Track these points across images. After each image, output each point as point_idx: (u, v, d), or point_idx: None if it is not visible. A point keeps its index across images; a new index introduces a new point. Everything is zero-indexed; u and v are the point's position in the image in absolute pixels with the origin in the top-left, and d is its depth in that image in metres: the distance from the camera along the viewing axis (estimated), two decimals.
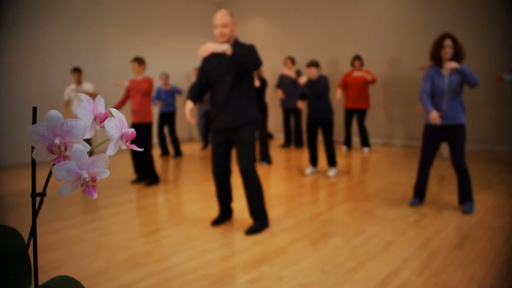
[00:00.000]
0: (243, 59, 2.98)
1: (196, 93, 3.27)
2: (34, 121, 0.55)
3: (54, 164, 0.54)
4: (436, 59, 3.49)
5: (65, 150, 0.54)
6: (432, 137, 3.60)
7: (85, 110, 0.55)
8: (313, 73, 4.88)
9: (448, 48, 3.39)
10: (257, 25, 9.16)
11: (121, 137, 0.56)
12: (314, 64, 4.88)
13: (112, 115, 0.56)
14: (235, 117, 3.16)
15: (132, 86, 4.92)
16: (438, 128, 3.56)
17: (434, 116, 3.38)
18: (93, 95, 6.14)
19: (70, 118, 0.53)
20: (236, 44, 3.16)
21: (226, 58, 3.10)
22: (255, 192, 3.24)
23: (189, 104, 3.21)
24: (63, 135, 0.53)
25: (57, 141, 0.52)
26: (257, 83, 5.66)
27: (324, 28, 8.05)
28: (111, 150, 0.56)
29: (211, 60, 3.20)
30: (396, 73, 7.20)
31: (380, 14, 7.28)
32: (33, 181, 0.57)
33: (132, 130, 0.57)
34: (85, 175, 0.54)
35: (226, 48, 2.90)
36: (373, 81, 6.65)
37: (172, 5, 8.86)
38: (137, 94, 4.88)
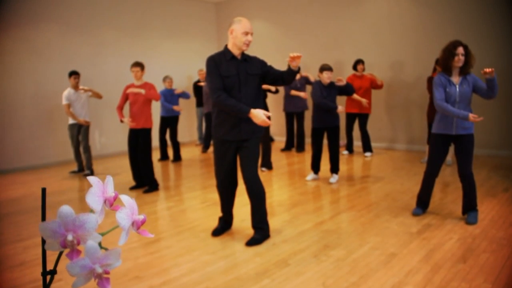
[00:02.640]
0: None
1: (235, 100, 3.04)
2: (43, 201, 0.54)
3: (62, 252, 0.53)
4: (446, 66, 3.41)
5: (78, 244, 0.53)
6: (441, 147, 3.55)
7: (95, 196, 0.54)
8: (330, 77, 4.84)
9: (460, 56, 3.32)
10: (257, 27, 9.10)
11: (132, 224, 0.57)
12: (332, 68, 4.87)
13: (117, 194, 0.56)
14: (253, 129, 3.10)
15: (133, 92, 4.88)
16: (447, 137, 3.50)
17: (474, 117, 3.22)
18: (98, 96, 6.08)
19: (82, 213, 0.52)
20: (246, 55, 3.13)
21: (244, 67, 3.05)
22: (258, 202, 3.20)
23: (257, 110, 2.96)
24: (76, 230, 0.53)
25: (70, 237, 0.52)
26: (273, 88, 5.80)
27: (326, 31, 8.00)
28: (122, 240, 0.56)
29: (227, 66, 3.04)
30: (398, 77, 7.14)
31: (382, 17, 7.23)
32: (44, 264, 0.55)
33: (142, 217, 0.57)
34: (99, 270, 0.53)
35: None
36: (381, 86, 6.61)
37: (170, 6, 8.82)
38: (138, 100, 4.84)
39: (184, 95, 6.92)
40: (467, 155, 3.43)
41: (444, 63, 3.40)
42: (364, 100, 6.28)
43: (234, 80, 3.03)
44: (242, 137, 3.10)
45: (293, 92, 6.95)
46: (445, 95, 3.41)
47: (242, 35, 3.01)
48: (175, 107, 6.66)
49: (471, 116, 3.23)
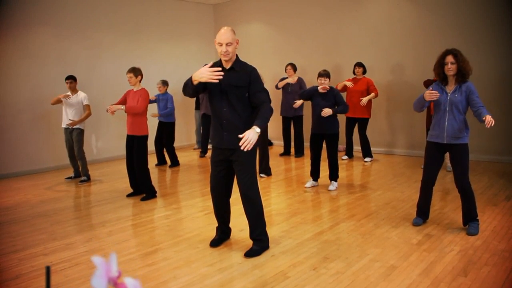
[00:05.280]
0: (266, 123, 2.97)
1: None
2: (47, 280, 0.55)
3: None
4: (441, 76, 3.43)
5: None
6: (434, 155, 3.53)
7: (99, 278, 0.56)
8: (324, 83, 4.80)
9: (450, 64, 3.32)
10: (255, 29, 9.07)
11: None
12: (328, 75, 4.81)
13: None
14: (236, 138, 3.03)
15: (129, 98, 4.84)
16: (439, 146, 3.48)
17: (429, 92, 3.31)
18: (87, 115, 5.86)
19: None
20: (238, 64, 3.07)
21: (229, 77, 3.02)
22: (256, 215, 3.17)
23: (200, 70, 2.86)
24: None
25: None
26: None
27: (325, 34, 7.95)
28: None
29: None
30: (398, 80, 7.11)
31: (382, 20, 7.19)
32: None
33: None
34: None
35: (258, 132, 2.83)
36: (376, 97, 6.56)
37: (168, 9, 8.75)
38: None
39: (167, 107, 6.65)
40: (461, 165, 3.39)
41: (438, 73, 3.45)
42: (348, 83, 6.47)
43: (216, 90, 3.06)
44: (223, 146, 3.10)
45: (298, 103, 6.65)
46: (435, 103, 3.45)
47: (217, 46, 3.01)
48: (153, 115, 6.63)
49: (427, 93, 3.33)
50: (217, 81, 2.85)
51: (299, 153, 7.30)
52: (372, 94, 6.49)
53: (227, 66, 3.07)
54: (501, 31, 6.01)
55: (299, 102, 6.16)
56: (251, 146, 2.77)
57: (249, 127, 3.02)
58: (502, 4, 5.98)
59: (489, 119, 3.06)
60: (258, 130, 2.82)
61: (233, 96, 3.02)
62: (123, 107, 4.67)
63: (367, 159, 6.69)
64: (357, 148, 7.17)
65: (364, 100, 6.43)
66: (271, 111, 3.01)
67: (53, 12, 6.94)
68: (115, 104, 4.83)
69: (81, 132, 5.88)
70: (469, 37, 6.23)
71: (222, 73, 2.83)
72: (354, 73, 6.73)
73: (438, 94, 3.32)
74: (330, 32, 7.88)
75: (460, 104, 3.34)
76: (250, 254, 3.15)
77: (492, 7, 6.05)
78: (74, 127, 5.82)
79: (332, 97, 4.79)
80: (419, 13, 6.76)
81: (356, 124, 6.77)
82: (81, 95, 5.90)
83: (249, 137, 2.76)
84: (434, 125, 3.49)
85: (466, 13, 6.28)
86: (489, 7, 6.08)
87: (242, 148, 2.77)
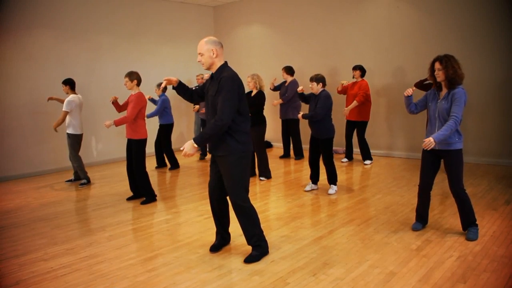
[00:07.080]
0: (208, 141, 3.03)
1: (187, 88, 3.38)
2: None
3: None
4: (434, 82, 3.45)
5: None
6: (429, 161, 3.54)
7: None
8: (313, 88, 4.82)
9: (437, 71, 3.35)
10: (255, 31, 9.07)
11: None
12: (314, 79, 4.80)
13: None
14: (218, 145, 3.07)
15: (129, 101, 4.85)
16: (433, 151, 3.49)
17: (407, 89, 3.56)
18: (57, 122, 5.77)
19: None
20: (218, 72, 3.05)
21: (210, 86, 3.10)
22: (248, 223, 3.16)
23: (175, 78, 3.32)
24: None
25: None
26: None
27: (325, 36, 7.96)
28: None
29: (208, 84, 3.20)
30: (398, 83, 7.10)
31: (382, 23, 7.20)
32: None
33: None
34: None
35: (192, 147, 2.97)
36: (358, 103, 6.49)
37: (167, 11, 8.75)
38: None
39: (155, 109, 6.64)
40: (454, 171, 3.40)
41: (432, 80, 3.46)
42: (344, 81, 6.84)
43: (206, 98, 3.18)
44: (210, 150, 3.18)
45: (275, 102, 7.29)
46: (428, 109, 3.53)
47: None
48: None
49: (407, 91, 3.54)
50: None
51: (299, 155, 7.31)
52: (354, 103, 6.44)
53: (214, 75, 3.12)
54: (502, 34, 6.01)
55: (275, 102, 7.26)
56: (187, 157, 3.00)
57: (232, 138, 3.03)
58: (503, 7, 5.98)
59: (425, 143, 3.21)
60: (195, 144, 2.96)
61: (211, 104, 3.06)
62: (112, 122, 4.69)
63: (367, 162, 6.69)
64: (356, 150, 7.18)
65: (346, 111, 6.48)
66: (215, 127, 2.91)
67: (53, 14, 6.94)
68: (121, 105, 5.02)
69: (70, 136, 5.79)
70: (469, 40, 6.24)
71: (164, 82, 3.29)
72: (353, 76, 6.73)
73: (411, 91, 3.53)
74: (330, 34, 7.88)
75: (445, 112, 3.33)
76: (249, 260, 3.16)
77: (493, 11, 6.06)
78: (66, 132, 5.84)
79: (318, 100, 4.82)
80: (419, 16, 6.76)
81: (356, 127, 6.76)
82: (69, 97, 5.77)
83: (185, 149, 2.98)
84: (428, 131, 3.53)
85: (467, 16, 6.28)
86: (489, 10, 6.08)
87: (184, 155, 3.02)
